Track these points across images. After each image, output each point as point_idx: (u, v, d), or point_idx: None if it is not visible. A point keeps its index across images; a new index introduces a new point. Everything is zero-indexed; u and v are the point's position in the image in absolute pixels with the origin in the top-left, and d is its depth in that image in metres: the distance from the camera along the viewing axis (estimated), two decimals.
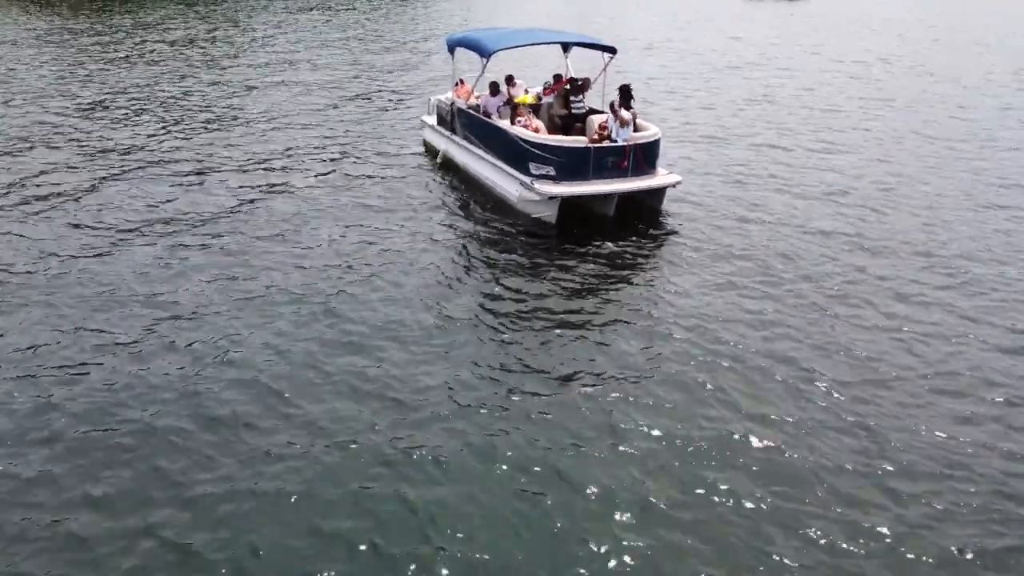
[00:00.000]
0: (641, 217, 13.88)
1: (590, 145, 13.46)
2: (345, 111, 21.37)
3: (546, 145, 13.53)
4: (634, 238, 13.16)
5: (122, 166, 16.18)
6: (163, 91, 23.33)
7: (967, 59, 32.72)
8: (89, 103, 21.57)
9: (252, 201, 14.42)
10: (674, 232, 13.48)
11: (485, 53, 15.01)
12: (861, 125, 20.88)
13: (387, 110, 21.73)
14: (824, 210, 14.59)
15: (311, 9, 43.40)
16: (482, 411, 8.48)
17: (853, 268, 12.14)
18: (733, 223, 13.83)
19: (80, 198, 14.35)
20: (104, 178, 15.43)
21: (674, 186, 14.04)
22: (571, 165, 13.43)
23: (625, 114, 13.84)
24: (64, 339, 9.66)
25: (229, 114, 20.80)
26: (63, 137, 18.21)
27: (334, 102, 22.38)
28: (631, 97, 14.69)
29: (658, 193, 14.05)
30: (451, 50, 16.94)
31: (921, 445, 8.04)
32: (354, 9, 45.86)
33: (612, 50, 15.58)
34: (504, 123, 14.52)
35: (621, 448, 7.92)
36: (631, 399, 8.71)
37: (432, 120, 17.79)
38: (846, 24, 43.95)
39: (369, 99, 23.06)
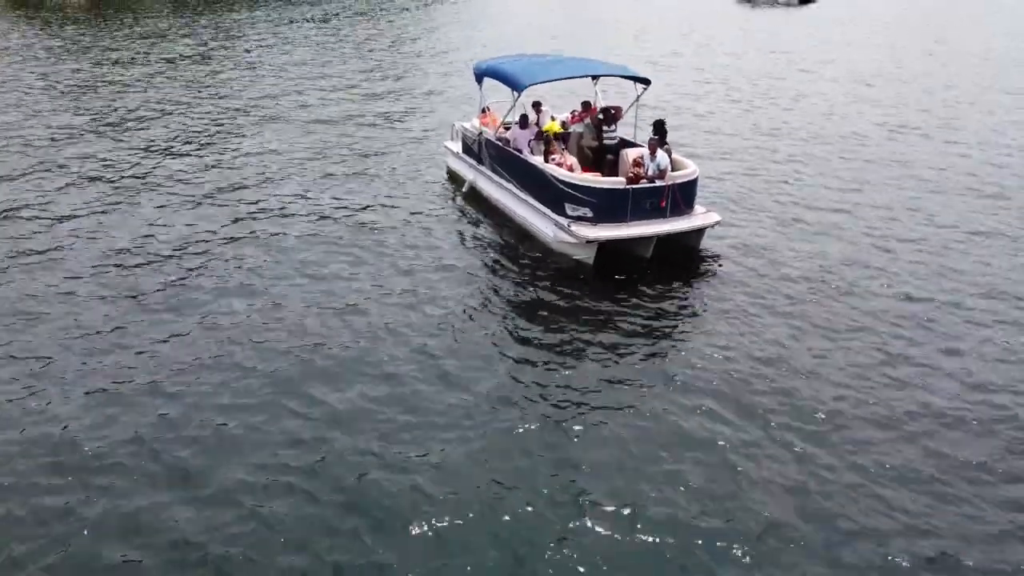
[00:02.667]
0: (679, 257, 13.56)
1: (628, 187, 13.11)
2: (362, 135, 20.86)
3: (583, 186, 13.17)
4: (673, 281, 12.83)
5: (135, 187, 16.01)
6: (169, 111, 22.91)
7: (991, 63, 32.19)
8: (92, 119, 21.17)
9: (267, 233, 14.16)
10: (714, 274, 13.16)
11: (519, 88, 14.62)
12: (888, 151, 20.17)
13: (407, 133, 21.20)
14: (862, 246, 14.24)
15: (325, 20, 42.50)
16: (506, 461, 8.40)
17: (894, 311, 11.82)
18: (771, 262, 13.48)
19: (87, 219, 14.12)
20: (120, 200, 15.27)
21: (713, 226, 13.71)
22: (609, 207, 13.09)
23: (661, 155, 13.50)
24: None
25: (236, 137, 20.41)
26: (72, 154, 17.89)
27: (349, 125, 21.89)
28: (665, 132, 14.35)
29: (697, 233, 13.72)
30: (479, 79, 16.49)
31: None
32: (365, 22, 45.27)
33: (646, 81, 15.20)
34: (537, 160, 14.15)
35: (647, 509, 7.78)
36: (661, 453, 8.57)
37: (456, 147, 17.40)
38: (853, 31, 43.01)
39: (386, 121, 22.54)
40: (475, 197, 16.22)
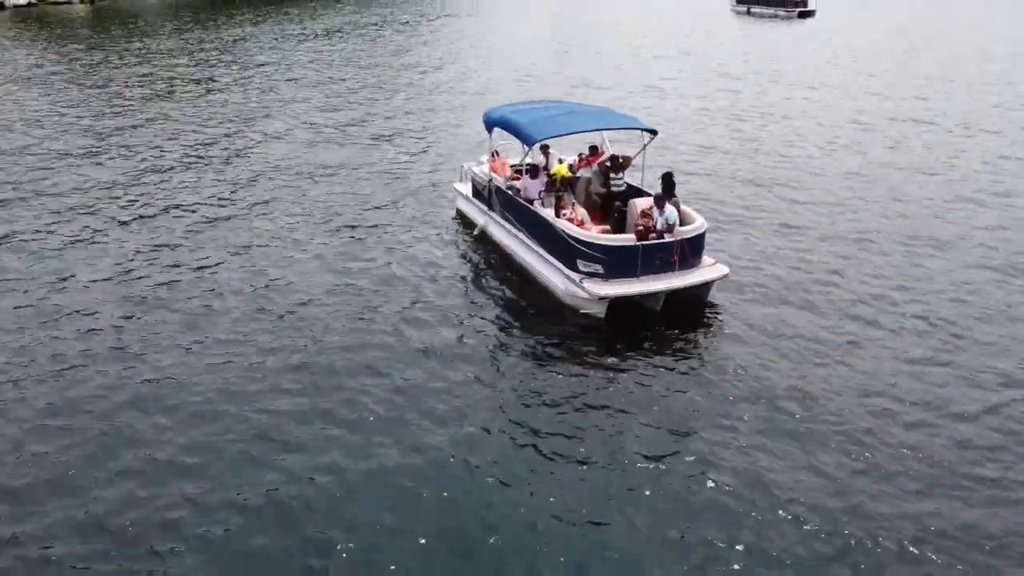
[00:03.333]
0: (689, 308, 13.81)
1: (639, 243, 13.41)
2: (366, 172, 21.05)
3: (595, 244, 13.46)
4: (682, 335, 13.06)
5: (145, 220, 16.27)
6: (168, 142, 23.13)
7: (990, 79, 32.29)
8: (94, 151, 21.41)
9: (269, 277, 14.52)
10: (722, 327, 13.38)
11: (529, 143, 14.92)
12: (892, 191, 20.09)
13: (413, 171, 21.35)
14: (867, 300, 14.45)
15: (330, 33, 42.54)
16: (514, 505, 8.80)
17: (905, 373, 11.97)
18: (777, 313, 13.71)
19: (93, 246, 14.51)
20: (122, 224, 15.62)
21: (721, 279, 14.00)
22: (620, 263, 13.38)
23: (670, 210, 13.79)
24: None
25: (237, 170, 20.63)
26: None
27: (353, 158, 22.06)
28: (673, 185, 14.63)
29: (706, 285, 14.01)
30: (489, 129, 16.76)
31: None
32: (366, 39, 45.36)
33: (653, 132, 15.48)
34: (548, 213, 14.42)
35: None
36: (668, 505, 8.96)
37: (466, 190, 17.65)
38: (854, 43, 42.98)
39: (392, 156, 22.68)
40: (484, 240, 16.51)
